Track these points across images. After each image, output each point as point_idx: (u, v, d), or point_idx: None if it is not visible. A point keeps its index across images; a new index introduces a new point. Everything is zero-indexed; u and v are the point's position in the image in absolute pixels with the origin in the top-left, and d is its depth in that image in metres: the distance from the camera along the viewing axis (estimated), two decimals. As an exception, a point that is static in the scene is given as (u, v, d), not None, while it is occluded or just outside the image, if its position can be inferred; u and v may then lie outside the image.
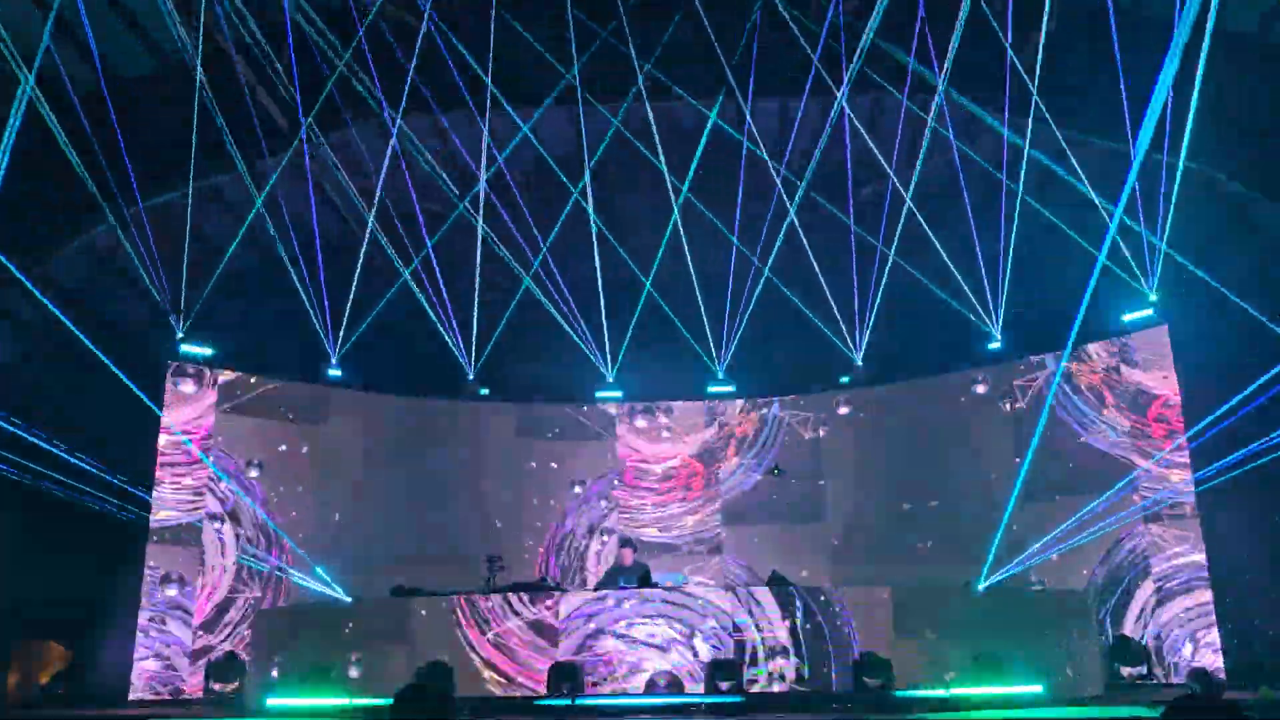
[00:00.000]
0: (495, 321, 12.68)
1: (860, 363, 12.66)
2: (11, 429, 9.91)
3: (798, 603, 8.50)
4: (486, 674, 8.50)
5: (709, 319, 12.70)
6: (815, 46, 11.12)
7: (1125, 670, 9.74)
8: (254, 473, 12.24)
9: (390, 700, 3.17)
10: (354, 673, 8.56)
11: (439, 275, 12.36)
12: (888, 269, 11.85)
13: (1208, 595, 10.50)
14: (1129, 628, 10.84)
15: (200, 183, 11.30)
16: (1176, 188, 9.83)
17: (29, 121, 8.69)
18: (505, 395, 13.73)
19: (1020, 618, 8.92)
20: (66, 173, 10.23)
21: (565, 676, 8.06)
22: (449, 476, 13.47)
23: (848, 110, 11.47)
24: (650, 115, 11.94)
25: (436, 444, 13.48)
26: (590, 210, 12.15)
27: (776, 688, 8.21)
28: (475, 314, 12.44)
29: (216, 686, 10.70)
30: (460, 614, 8.70)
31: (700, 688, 8.09)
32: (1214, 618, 10.42)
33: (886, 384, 13.17)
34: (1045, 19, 10.06)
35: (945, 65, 10.38)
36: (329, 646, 8.89)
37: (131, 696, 10.87)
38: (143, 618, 11.18)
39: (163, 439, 11.62)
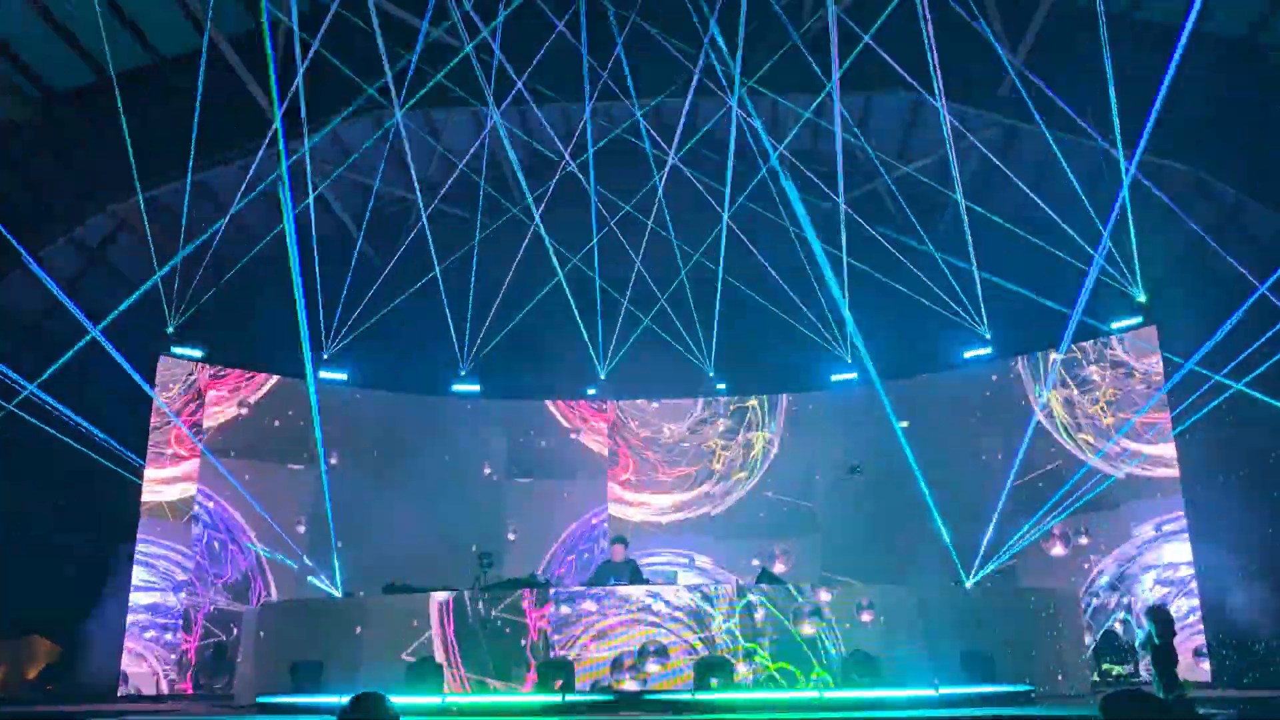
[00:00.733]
0: (490, 320, 12.71)
1: (850, 362, 12.72)
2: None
3: (795, 599, 8.54)
4: (474, 671, 8.52)
5: (702, 320, 12.76)
6: (807, 46, 11.15)
7: (1111, 669, 9.82)
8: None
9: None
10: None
11: (440, 275, 12.36)
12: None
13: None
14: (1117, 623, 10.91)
15: (194, 177, 11.28)
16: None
17: (18, 115, 8.65)
18: (497, 393, 13.73)
19: (1007, 616, 8.96)
20: (59, 166, 10.22)
21: (556, 672, 8.08)
22: (441, 473, 13.47)
23: (842, 110, 11.48)
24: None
25: (428, 440, 13.47)
26: (592, 209, 12.16)
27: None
28: (469, 313, 12.46)
29: (206, 681, 10.73)
30: (450, 611, 8.71)
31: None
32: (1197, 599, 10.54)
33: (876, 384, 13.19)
34: (1035, 19, 10.13)
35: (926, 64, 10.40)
36: (321, 642, 8.89)
37: (121, 691, 10.87)
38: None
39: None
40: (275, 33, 10.67)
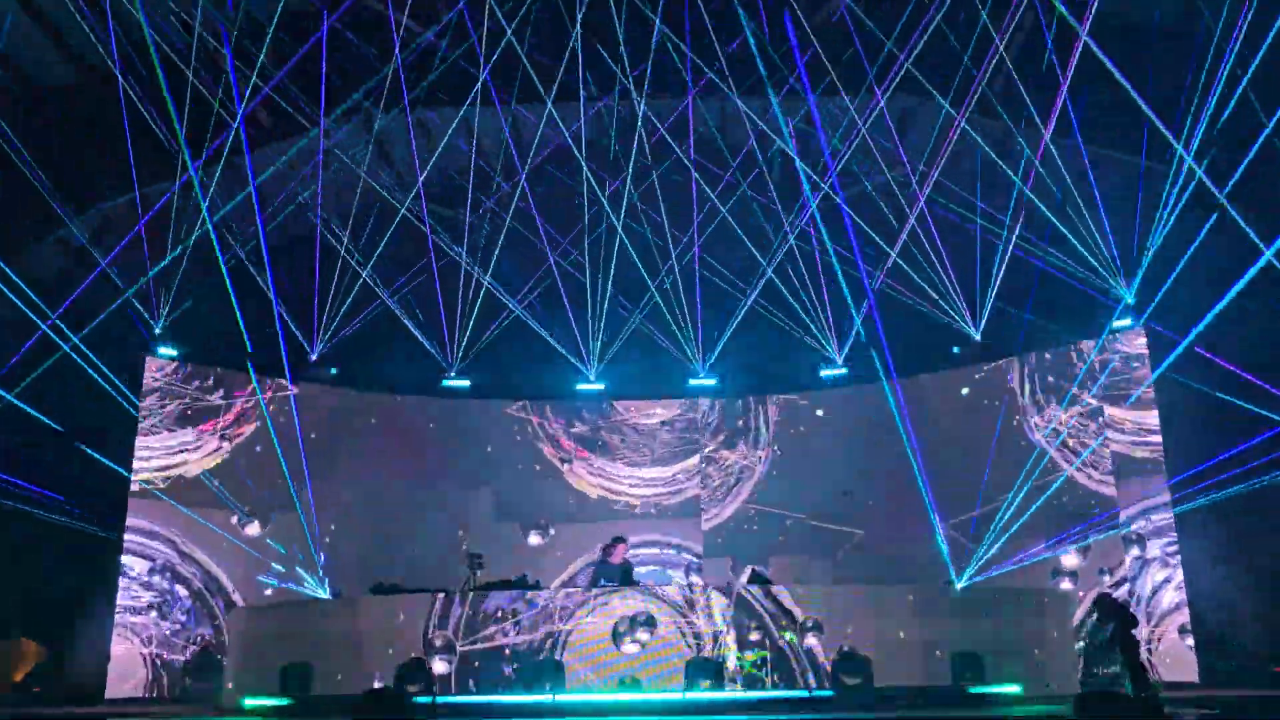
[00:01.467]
0: (480, 319, 12.69)
1: (841, 362, 12.74)
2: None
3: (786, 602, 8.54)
4: (467, 672, 8.50)
5: (695, 317, 12.76)
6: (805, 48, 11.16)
7: (1101, 670, 9.84)
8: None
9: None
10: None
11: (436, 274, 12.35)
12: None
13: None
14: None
15: (180, 178, 11.21)
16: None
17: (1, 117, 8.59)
18: (486, 392, 13.69)
19: (997, 618, 8.98)
20: (42, 168, 10.15)
21: (545, 674, 8.07)
22: (432, 472, 13.44)
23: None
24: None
25: (416, 440, 13.43)
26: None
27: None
28: (459, 311, 12.43)
29: (192, 684, 10.66)
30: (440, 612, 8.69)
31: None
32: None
33: (867, 384, 13.20)
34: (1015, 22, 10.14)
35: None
36: (308, 644, 8.85)
37: (109, 693, 10.80)
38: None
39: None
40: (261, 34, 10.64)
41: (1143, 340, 11.28)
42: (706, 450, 13.83)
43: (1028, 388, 12.25)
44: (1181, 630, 10.60)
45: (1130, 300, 10.81)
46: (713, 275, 12.70)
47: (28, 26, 10.24)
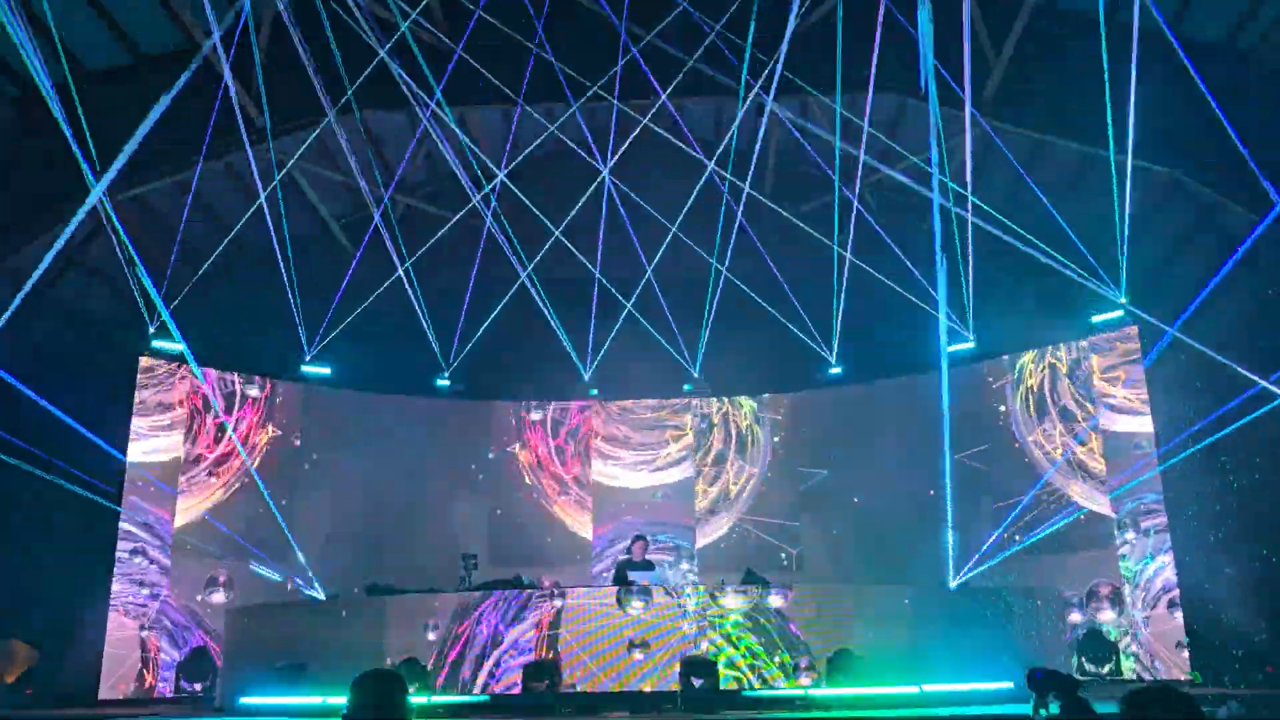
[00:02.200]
0: (473, 320, 12.68)
1: (834, 363, 12.76)
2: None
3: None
4: (465, 670, 8.49)
5: (686, 321, 12.77)
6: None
7: (1092, 667, 9.88)
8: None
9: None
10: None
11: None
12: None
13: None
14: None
15: (174, 178, 11.22)
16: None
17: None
18: (481, 393, 13.69)
19: (991, 614, 9.01)
20: (36, 165, 10.13)
21: (543, 674, 8.07)
22: (428, 473, 13.43)
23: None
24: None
25: (415, 440, 13.42)
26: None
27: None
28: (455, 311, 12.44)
29: (187, 685, 10.63)
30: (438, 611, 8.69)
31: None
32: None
33: (859, 384, 13.25)
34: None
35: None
36: (303, 644, 8.84)
37: (103, 685, 10.79)
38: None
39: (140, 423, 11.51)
40: (257, 32, 10.63)
41: (1133, 330, 11.33)
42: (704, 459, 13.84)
43: (1019, 386, 12.29)
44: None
45: (1122, 296, 10.85)
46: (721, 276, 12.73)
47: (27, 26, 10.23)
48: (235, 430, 12.21)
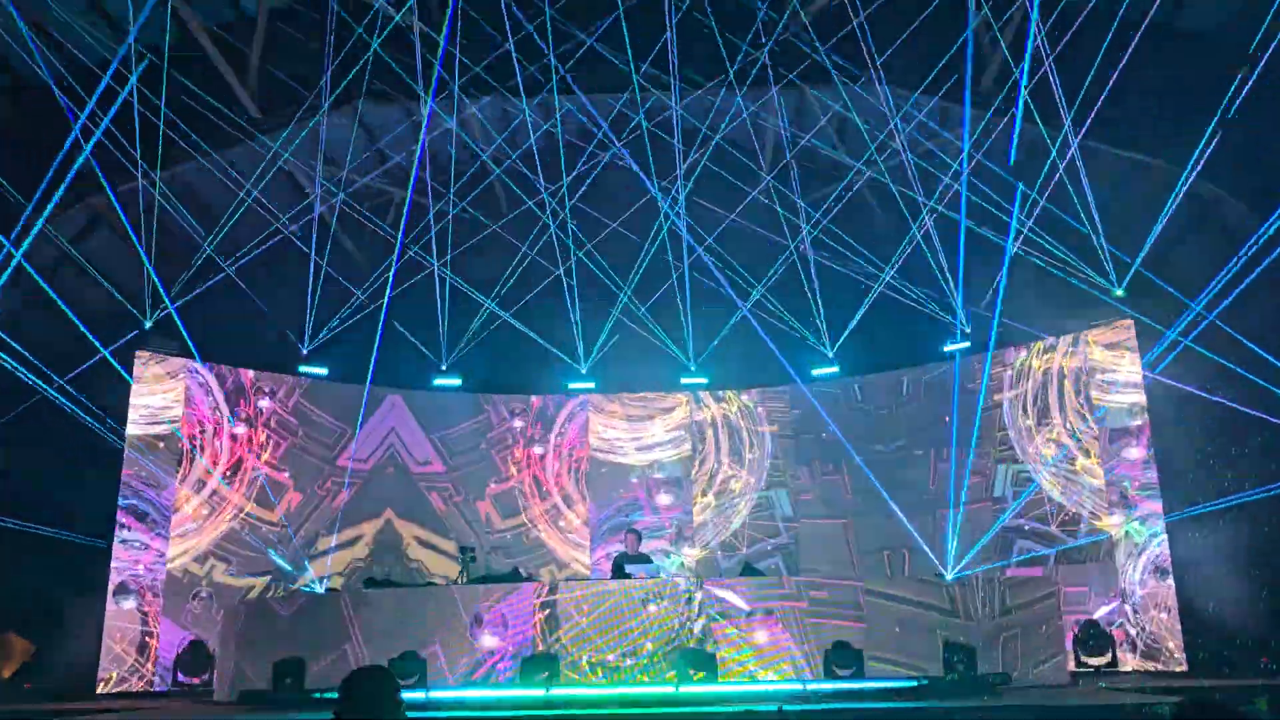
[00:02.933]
0: (472, 314, 12.67)
1: (831, 356, 12.78)
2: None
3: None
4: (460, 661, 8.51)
5: (684, 314, 12.77)
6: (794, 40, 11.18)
7: (1089, 659, 9.91)
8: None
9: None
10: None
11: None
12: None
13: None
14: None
15: (170, 171, 11.19)
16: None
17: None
18: (477, 387, 13.68)
19: (986, 607, 9.03)
20: (32, 158, 10.08)
21: (541, 667, 8.08)
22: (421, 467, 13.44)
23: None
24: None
25: (410, 433, 13.42)
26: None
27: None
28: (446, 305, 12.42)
29: (184, 679, 10.62)
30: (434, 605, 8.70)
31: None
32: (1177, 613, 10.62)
33: (855, 377, 13.25)
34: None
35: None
36: (302, 638, 8.84)
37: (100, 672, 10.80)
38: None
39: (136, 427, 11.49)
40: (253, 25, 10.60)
41: (1128, 324, 11.34)
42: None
43: (1016, 382, 12.30)
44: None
45: (1119, 292, 10.86)
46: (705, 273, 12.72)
47: (13, 20, 10.19)
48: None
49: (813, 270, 12.20)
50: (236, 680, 8.89)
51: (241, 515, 11.96)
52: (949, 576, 10.31)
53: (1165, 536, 10.76)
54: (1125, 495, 11.04)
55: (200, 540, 11.62)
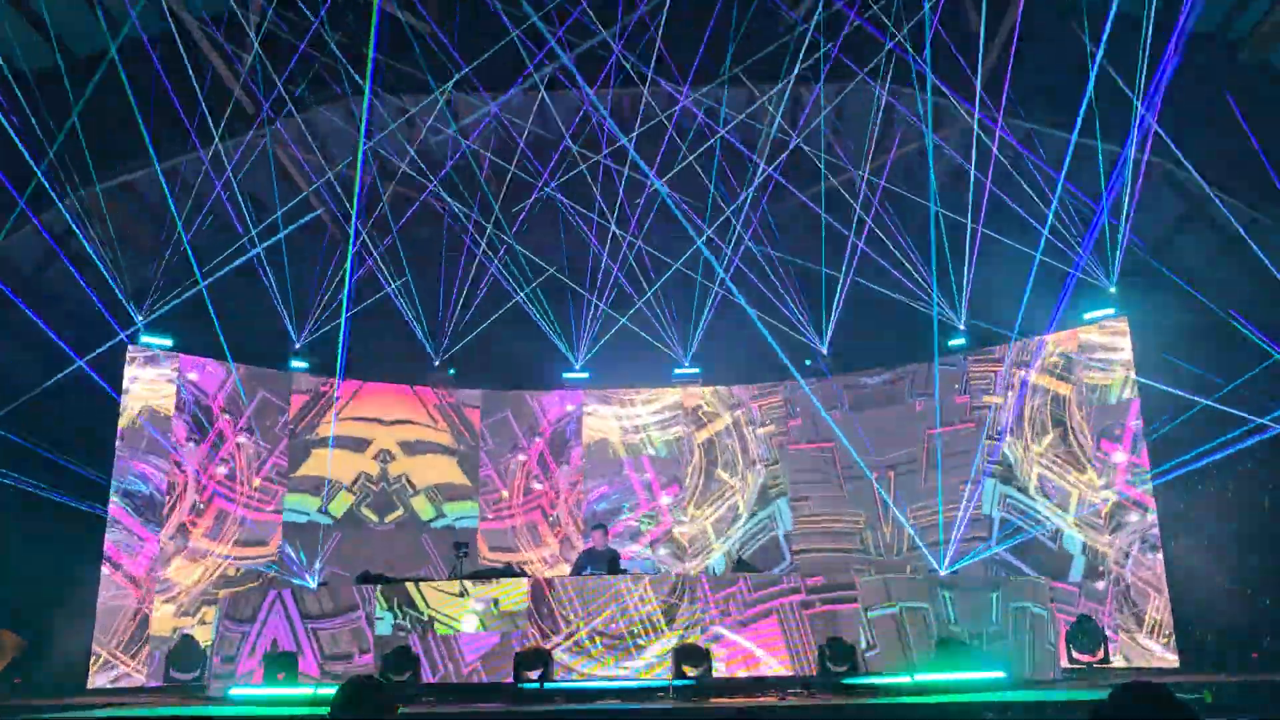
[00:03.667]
0: (466, 309, 12.65)
1: (825, 353, 12.78)
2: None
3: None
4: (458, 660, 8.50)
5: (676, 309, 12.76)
6: (785, 36, 11.15)
7: (1081, 655, 9.94)
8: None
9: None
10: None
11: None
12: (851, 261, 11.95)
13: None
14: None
15: (160, 165, 11.11)
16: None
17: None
18: (473, 381, 13.65)
19: (980, 602, 9.05)
20: (19, 153, 10.00)
21: (534, 663, 8.07)
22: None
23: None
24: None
25: (404, 428, 13.39)
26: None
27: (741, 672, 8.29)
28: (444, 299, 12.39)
29: (176, 674, 10.58)
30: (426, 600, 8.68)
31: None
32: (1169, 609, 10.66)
33: (849, 374, 13.26)
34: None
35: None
36: (294, 633, 8.82)
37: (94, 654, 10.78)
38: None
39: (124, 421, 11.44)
40: (247, 14, 10.53)
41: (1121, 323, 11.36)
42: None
43: (1007, 376, 12.32)
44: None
45: (1112, 288, 10.89)
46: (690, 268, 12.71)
47: (9, 12, 10.12)
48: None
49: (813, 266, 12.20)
50: (227, 675, 8.87)
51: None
52: (942, 570, 10.33)
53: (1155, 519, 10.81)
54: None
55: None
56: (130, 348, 11.51)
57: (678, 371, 13.51)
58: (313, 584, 11.03)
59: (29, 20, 10.28)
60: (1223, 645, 10.25)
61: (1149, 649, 10.63)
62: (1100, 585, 10.99)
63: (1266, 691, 8.10)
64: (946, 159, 12.06)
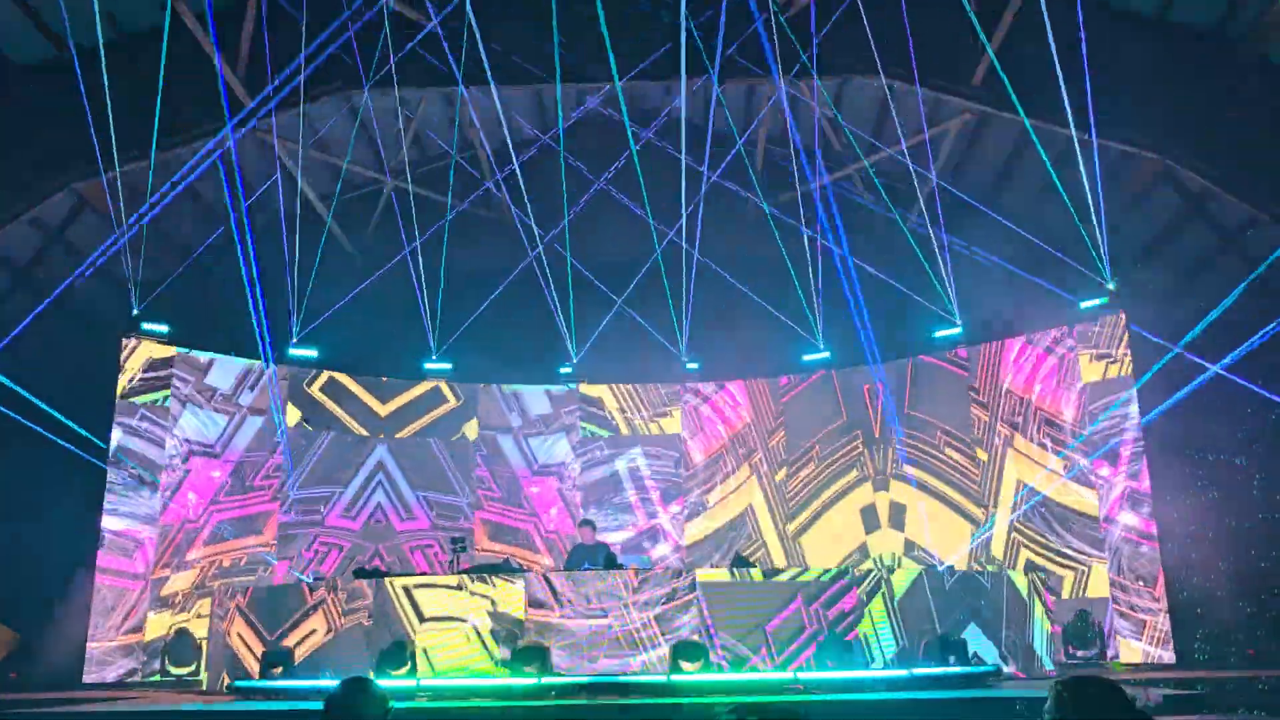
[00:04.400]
0: (463, 302, 12.63)
1: (821, 345, 12.78)
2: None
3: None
4: (450, 654, 8.49)
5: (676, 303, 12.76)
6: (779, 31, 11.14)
7: (1075, 651, 9.97)
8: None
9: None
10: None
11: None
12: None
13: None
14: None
15: (159, 157, 11.08)
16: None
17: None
18: (468, 376, 13.62)
19: (978, 599, 9.07)
20: (18, 143, 9.98)
21: (532, 658, 8.06)
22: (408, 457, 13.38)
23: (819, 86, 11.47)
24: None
25: (400, 422, 13.37)
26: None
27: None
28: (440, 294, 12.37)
29: (173, 669, 10.57)
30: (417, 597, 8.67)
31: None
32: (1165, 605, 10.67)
33: (845, 368, 13.25)
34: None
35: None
36: (291, 628, 8.81)
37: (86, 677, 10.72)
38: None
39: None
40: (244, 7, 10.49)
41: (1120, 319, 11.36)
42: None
43: (1007, 372, 12.33)
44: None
45: (1110, 284, 10.88)
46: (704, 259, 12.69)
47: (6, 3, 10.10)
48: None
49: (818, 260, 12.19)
50: (223, 670, 8.85)
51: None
52: (940, 567, 10.34)
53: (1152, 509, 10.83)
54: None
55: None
56: (126, 340, 11.48)
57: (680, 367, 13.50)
58: (307, 579, 10.99)
59: (24, 11, 10.24)
60: (1221, 641, 10.27)
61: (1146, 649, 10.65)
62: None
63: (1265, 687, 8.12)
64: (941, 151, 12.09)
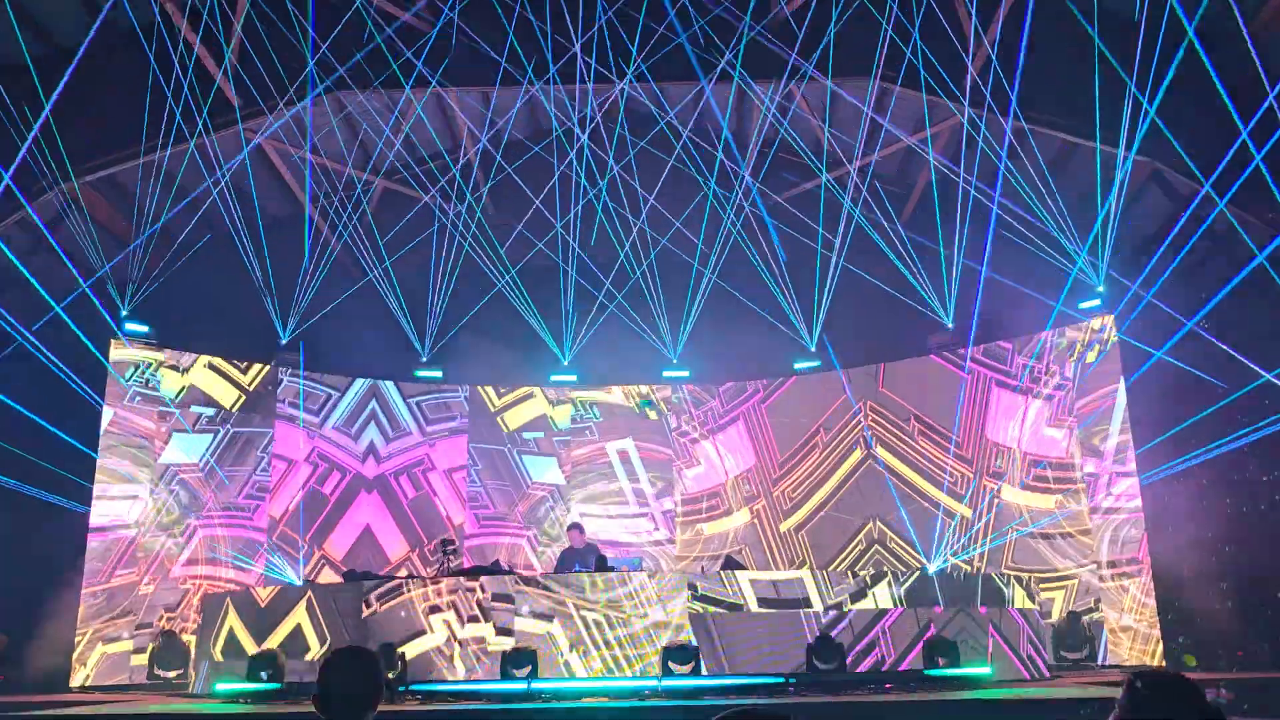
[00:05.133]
0: (452, 304, 12.59)
1: (813, 348, 12.77)
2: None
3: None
4: (438, 658, 8.45)
5: (667, 306, 12.74)
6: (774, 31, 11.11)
7: (1067, 654, 9.96)
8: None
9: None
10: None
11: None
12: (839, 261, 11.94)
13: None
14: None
15: (145, 158, 11.01)
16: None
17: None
18: (459, 378, 13.58)
19: (969, 601, 9.05)
20: (4, 144, 9.91)
21: (522, 662, 8.02)
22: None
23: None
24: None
25: (392, 424, 13.32)
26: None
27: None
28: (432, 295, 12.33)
29: (160, 672, 10.51)
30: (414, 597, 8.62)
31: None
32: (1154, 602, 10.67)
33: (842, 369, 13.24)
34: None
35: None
36: (279, 630, 8.75)
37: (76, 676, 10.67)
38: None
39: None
40: (234, 7, 10.43)
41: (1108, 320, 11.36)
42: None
43: (996, 371, 12.33)
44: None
45: (1100, 286, 10.89)
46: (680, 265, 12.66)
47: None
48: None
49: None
50: (211, 673, 8.80)
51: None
52: (931, 568, 10.33)
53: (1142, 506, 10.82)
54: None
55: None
56: (114, 342, 11.41)
57: (666, 373, 13.47)
58: (297, 581, 10.95)
59: (12, 10, 10.15)
60: (1209, 643, 10.27)
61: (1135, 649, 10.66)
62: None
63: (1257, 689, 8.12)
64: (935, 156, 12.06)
